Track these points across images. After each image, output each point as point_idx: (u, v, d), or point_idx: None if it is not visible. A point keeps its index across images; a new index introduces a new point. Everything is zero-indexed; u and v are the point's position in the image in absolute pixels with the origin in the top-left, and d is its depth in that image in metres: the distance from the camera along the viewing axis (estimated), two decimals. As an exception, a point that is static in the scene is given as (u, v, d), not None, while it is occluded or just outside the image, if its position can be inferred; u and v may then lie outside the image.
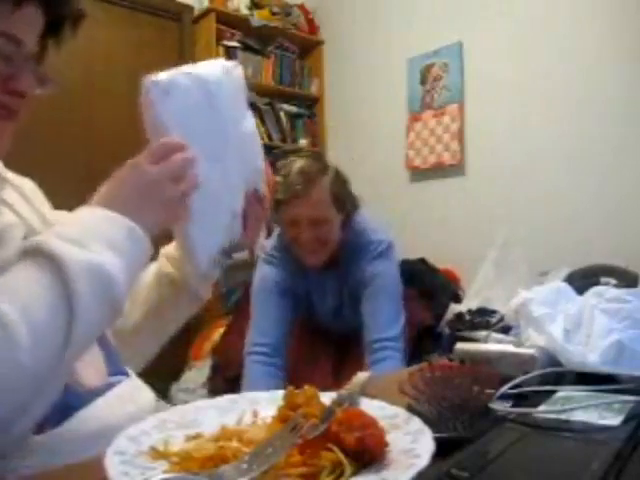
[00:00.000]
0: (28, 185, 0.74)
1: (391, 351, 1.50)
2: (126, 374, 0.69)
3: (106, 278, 0.51)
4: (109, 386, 0.63)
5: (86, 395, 0.60)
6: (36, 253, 0.50)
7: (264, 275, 1.64)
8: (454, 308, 1.42)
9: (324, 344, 1.76)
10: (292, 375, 1.61)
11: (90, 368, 0.63)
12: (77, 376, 0.60)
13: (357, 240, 1.61)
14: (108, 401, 0.61)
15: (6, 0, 0.58)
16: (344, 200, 1.57)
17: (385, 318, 1.53)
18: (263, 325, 1.59)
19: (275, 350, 1.56)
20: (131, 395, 0.65)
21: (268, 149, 3.50)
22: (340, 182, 1.57)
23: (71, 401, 0.58)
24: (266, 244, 1.70)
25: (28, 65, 0.62)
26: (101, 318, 0.52)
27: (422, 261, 2.12)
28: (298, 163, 1.52)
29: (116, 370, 0.67)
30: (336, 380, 1.64)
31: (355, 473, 0.39)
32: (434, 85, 3.11)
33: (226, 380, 1.88)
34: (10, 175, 0.71)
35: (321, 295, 1.69)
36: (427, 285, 1.98)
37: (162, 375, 0.79)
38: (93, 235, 0.53)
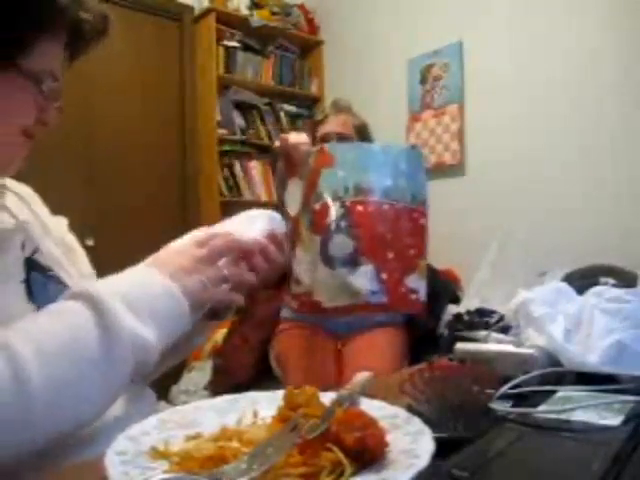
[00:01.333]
0: (26, 190, 0.75)
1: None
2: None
3: (144, 349, 0.54)
4: None
5: None
6: (92, 304, 0.53)
7: None
8: (452, 309, 1.42)
9: (327, 343, 1.76)
10: (292, 374, 1.61)
11: None
12: None
13: None
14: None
15: (54, 40, 0.64)
16: (366, 136, 1.90)
17: None
18: None
19: None
20: (135, 395, 0.65)
21: (268, 149, 3.50)
22: (364, 124, 1.93)
23: None
24: None
25: (57, 98, 0.67)
26: (127, 378, 0.54)
27: (422, 261, 2.12)
28: (332, 100, 1.98)
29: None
30: (338, 372, 1.65)
31: (355, 473, 0.39)
32: (434, 85, 3.11)
33: (232, 386, 1.89)
34: (8, 181, 0.72)
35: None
36: (427, 286, 1.98)
37: (162, 376, 0.79)
38: (145, 303, 0.56)
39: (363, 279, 0.80)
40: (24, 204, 0.71)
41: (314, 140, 1.81)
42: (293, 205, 0.87)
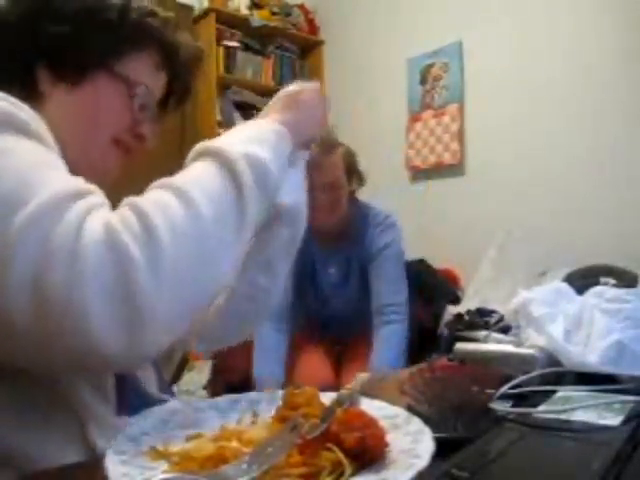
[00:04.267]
0: None
1: (397, 315, 1.63)
2: (173, 394, 0.78)
3: (263, 167, 0.56)
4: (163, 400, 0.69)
5: (150, 400, 0.66)
6: (204, 152, 0.56)
7: None
8: (452, 309, 1.42)
9: (326, 343, 1.77)
10: (293, 373, 1.62)
11: (151, 380, 0.71)
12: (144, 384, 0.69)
13: (363, 213, 1.77)
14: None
15: (146, 56, 0.71)
16: (354, 172, 1.75)
17: (392, 285, 1.67)
18: None
19: (279, 316, 1.63)
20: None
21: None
22: (351, 155, 1.76)
23: (134, 401, 0.63)
24: None
25: (153, 114, 0.73)
26: (261, 206, 0.56)
27: (421, 262, 2.12)
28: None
29: (164, 390, 0.75)
30: (336, 375, 1.65)
31: (355, 473, 0.39)
32: (434, 85, 3.11)
33: (228, 386, 1.90)
34: None
35: (326, 265, 1.77)
36: (426, 286, 1.98)
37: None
38: (250, 136, 0.59)
39: None
40: None
41: None
42: None
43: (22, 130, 0.51)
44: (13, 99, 0.53)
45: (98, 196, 0.50)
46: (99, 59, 0.67)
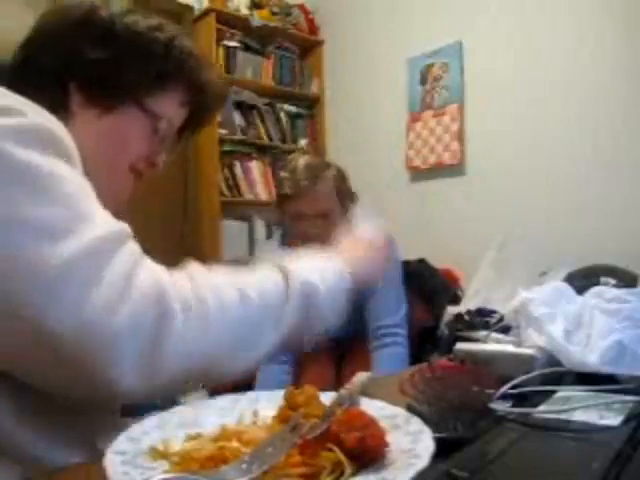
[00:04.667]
0: None
1: (394, 337, 1.56)
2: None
3: (314, 295, 0.63)
4: None
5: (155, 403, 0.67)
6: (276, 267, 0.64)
7: None
8: (452, 309, 1.41)
9: (326, 343, 1.76)
10: (294, 374, 1.61)
11: None
12: None
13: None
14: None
15: (176, 92, 0.74)
16: (346, 194, 1.62)
17: (388, 305, 1.59)
18: None
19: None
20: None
21: (268, 149, 3.50)
22: (341, 177, 1.62)
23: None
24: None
25: (167, 144, 0.76)
26: (299, 318, 0.61)
27: (421, 262, 2.12)
28: (302, 159, 1.57)
29: None
30: (337, 379, 1.64)
31: (355, 473, 0.39)
32: (434, 85, 3.11)
33: (229, 386, 1.89)
34: None
35: None
36: (426, 286, 1.98)
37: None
38: (315, 269, 0.66)
39: None
40: None
41: (282, 215, 1.61)
42: None
43: (65, 155, 0.53)
44: (56, 120, 0.54)
45: (134, 240, 0.54)
46: (134, 92, 0.69)
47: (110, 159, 0.69)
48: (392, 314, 1.59)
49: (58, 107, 0.63)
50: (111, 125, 0.68)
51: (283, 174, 1.56)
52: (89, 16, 0.67)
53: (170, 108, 0.73)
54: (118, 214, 0.57)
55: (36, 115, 0.53)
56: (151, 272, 0.51)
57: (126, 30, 0.68)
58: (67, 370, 0.47)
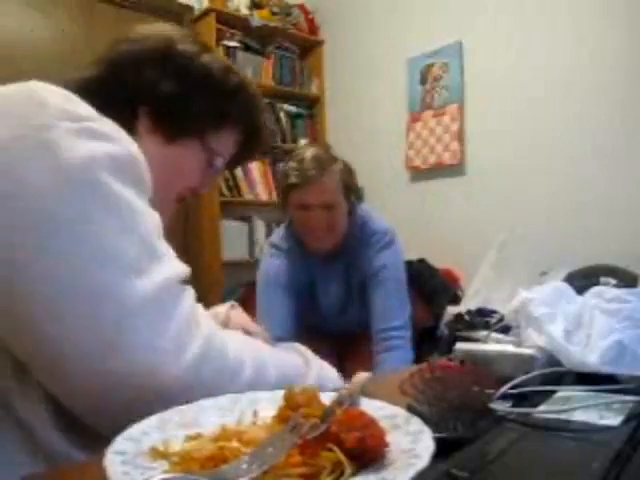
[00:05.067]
0: None
1: (398, 340, 1.54)
2: None
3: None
4: None
5: None
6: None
7: (269, 269, 1.66)
8: (452, 309, 1.41)
9: (327, 342, 1.76)
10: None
11: None
12: None
13: (362, 230, 1.66)
14: None
15: (234, 132, 0.79)
16: (352, 189, 1.62)
17: (392, 307, 1.57)
18: (269, 321, 1.57)
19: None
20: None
21: (268, 149, 3.50)
22: (348, 171, 1.63)
23: None
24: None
25: (216, 178, 0.84)
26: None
27: (421, 262, 2.12)
28: (310, 150, 1.57)
29: None
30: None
31: (355, 473, 0.39)
32: (434, 85, 3.12)
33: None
34: None
35: (326, 285, 1.69)
36: (427, 286, 1.98)
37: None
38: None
39: None
40: None
41: (286, 206, 1.60)
42: None
43: (147, 190, 0.55)
44: (136, 147, 0.56)
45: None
46: (199, 128, 0.73)
47: (164, 186, 0.71)
48: (397, 316, 1.57)
49: (125, 123, 0.65)
50: (172, 154, 0.72)
51: (290, 164, 1.55)
52: (168, 50, 0.71)
53: (226, 146, 0.78)
54: None
55: (128, 143, 0.55)
56: (205, 320, 0.55)
57: (201, 69, 0.72)
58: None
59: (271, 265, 1.66)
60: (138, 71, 0.69)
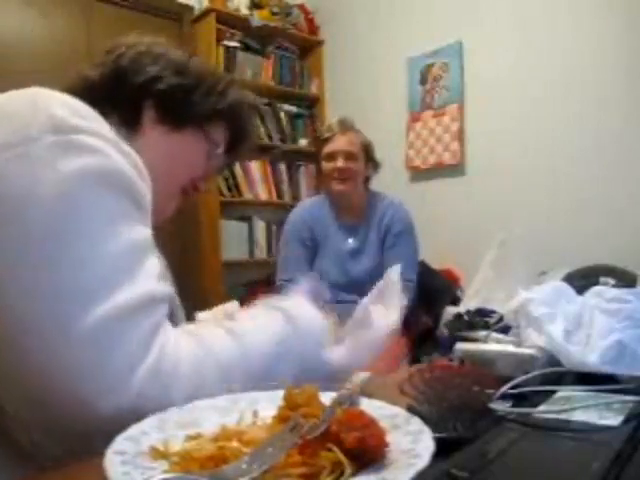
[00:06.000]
0: None
1: (407, 282, 1.78)
2: None
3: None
4: None
5: None
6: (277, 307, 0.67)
7: (295, 220, 2.05)
8: (452, 309, 1.41)
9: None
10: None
11: None
12: None
13: (378, 197, 2.10)
14: None
15: (224, 122, 0.83)
16: (370, 157, 2.04)
17: (405, 261, 1.78)
18: (287, 265, 1.98)
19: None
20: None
21: (268, 149, 3.50)
22: (368, 143, 2.05)
23: None
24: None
25: (215, 169, 0.86)
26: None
27: (421, 262, 2.12)
28: (335, 118, 2.08)
29: None
30: None
31: (355, 473, 0.39)
32: (434, 85, 3.12)
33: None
34: None
35: (345, 235, 2.03)
36: (427, 287, 1.98)
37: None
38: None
39: None
40: None
41: (319, 157, 2.02)
42: None
43: (126, 196, 0.54)
44: (130, 151, 0.57)
45: (165, 303, 0.55)
46: (198, 117, 0.78)
47: (170, 174, 0.76)
48: (407, 270, 1.78)
49: (131, 120, 0.73)
50: (177, 142, 0.76)
51: (322, 129, 2.12)
52: (168, 52, 0.79)
53: (220, 138, 0.83)
54: (158, 228, 0.60)
55: (116, 155, 0.54)
56: (172, 353, 0.53)
57: (196, 66, 0.79)
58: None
59: (297, 217, 2.05)
60: (139, 68, 0.74)
